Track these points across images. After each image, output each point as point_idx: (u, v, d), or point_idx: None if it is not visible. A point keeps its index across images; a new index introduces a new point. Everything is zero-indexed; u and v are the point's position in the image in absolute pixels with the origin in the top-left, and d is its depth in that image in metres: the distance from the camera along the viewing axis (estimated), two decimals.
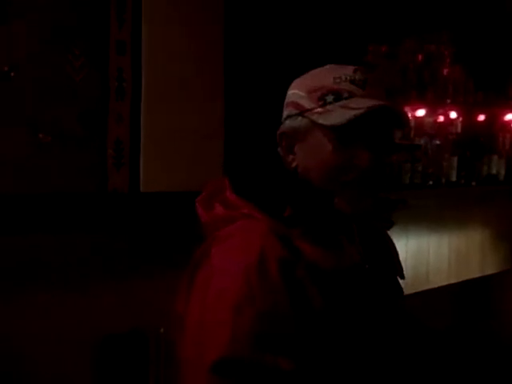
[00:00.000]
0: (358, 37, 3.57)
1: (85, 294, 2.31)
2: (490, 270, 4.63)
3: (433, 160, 4.20)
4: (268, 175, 1.34)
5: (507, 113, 5.02)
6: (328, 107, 1.27)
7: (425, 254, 3.89)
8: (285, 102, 1.40)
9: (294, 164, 1.33)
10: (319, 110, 1.28)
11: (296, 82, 1.39)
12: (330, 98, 1.27)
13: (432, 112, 4.24)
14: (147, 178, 2.61)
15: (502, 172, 4.96)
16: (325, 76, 1.31)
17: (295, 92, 1.35)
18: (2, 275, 2.09)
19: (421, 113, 4.10)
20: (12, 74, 2.21)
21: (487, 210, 4.72)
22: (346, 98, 1.27)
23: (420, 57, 4.15)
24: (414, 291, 3.10)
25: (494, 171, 4.84)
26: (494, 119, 4.90)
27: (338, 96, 1.27)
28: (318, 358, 1.17)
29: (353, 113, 1.24)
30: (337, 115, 1.25)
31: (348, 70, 1.30)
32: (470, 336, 3.31)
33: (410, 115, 4.10)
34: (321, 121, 1.27)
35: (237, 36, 2.83)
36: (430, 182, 4.17)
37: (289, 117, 1.34)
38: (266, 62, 2.92)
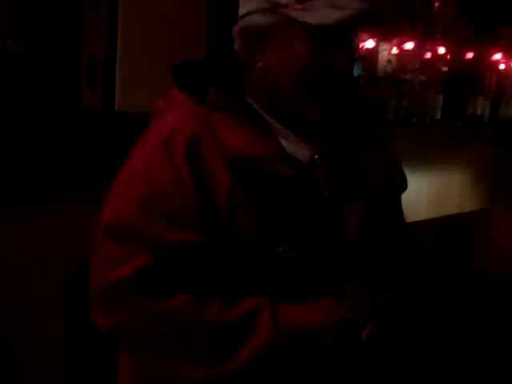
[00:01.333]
0: None
1: (58, 215, 2.22)
2: (468, 208, 4.62)
3: (418, 97, 4.12)
4: (208, 67, 1.28)
5: (495, 52, 4.92)
6: (309, 4, 1.17)
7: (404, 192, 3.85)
8: None
9: (258, 64, 1.24)
10: (299, 6, 1.17)
11: None
12: None
13: (420, 46, 4.13)
14: (123, 97, 2.49)
15: (487, 113, 4.90)
16: None
17: None
18: None
19: (409, 46, 3.99)
20: None
21: (469, 150, 4.68)
22: None
23: None
24: None
25: (478, 112, 4.78)
26: (482, 58, 4.80)
27: None
28: (220, 236, 1.15)
29: (340, 14, 1.14)
30: (323, 14, 1.15)
31: None
32: (449, 266, 3.32)
33: (397, 48, 3.99)
34: (303, 19, 1.16)
35: None
36: (415, 120, 4.10)
37: (254, 12, 1.23)
38: None
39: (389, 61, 3.93)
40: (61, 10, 2.28)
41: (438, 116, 4.32)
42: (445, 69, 4.42)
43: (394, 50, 3.98)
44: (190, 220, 1.14)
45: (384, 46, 3.86)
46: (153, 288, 1.12)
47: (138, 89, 2.51)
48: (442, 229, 4.02)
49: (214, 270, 1.16)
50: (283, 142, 1.24)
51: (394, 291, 1.24)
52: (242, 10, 1.24)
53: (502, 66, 5.09)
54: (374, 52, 3.79)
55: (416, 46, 4.06)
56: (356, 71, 3.77)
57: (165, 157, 1.17)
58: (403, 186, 1.46)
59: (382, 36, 3.79)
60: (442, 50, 4.32)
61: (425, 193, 4.22)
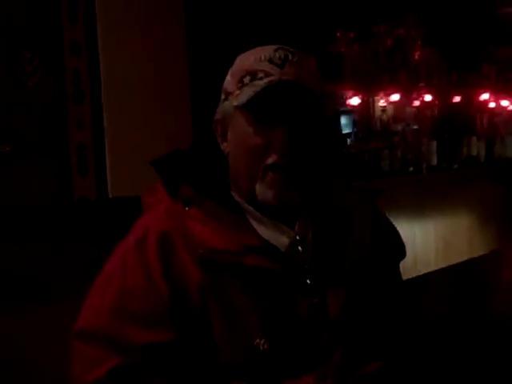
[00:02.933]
0: (326, 23, 3.49)
1: (61, 303, 2.20)
2: (477, 252, 4.57)
3: (411, 145, 4.13)
4: (186, 160, 1.29)
5: (483, 92, 4.97)
6: (244, 88, 1.18)
7: (410, 244, 3.81)
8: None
9: (226, 151, 1.25)
10: (237, 92, 1.19)
11: (232, 66, 1.31)
12: (247, 80, 1.19)
13: (406, 97, 4.18)
14: (115, 182, 2.50)
15: (483, 153, 4.91)
16: (247, 58, 1.24)
17: (227, 77, 1.28)
18: None
19: (395, 98, 4.03)
20: None
21: (471, 192, 4.67)
22: (260, 78, 1.17)
23: (390, 41, 4.08)
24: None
25: (474, 153, 4.79)
26: (470, 100, 4.84)
27: (254, 76, 1.18)
28: (192, 333, 1.15)
29: (252, 91, 1.15)
30: (243, 95, 1.16)
31: (269, 50, 1.22)
32: (464, 322, 3.24)
33: (382, 102, 4.03)
34: (234, 103, 1.19)
35: (199, 24, 2.73)
36: (411, 169, 4.10)
37: (220, 103, 1.26)
38: (230, 49, 2.82)
39: (381, 112, 3.97)
40: (45, 107, 2.31)
41: (434, 162, 4.33)
42: (434, 114, 4.46)
43: (382, 103, 4.02)
44: (161, 319, 1.14)
45: (372, 101, 3.90)
46: None
47: (129, 173, 2.53)
48: (454, 279, 3.96)
49: (189, 367, 1.15)
50: (261, 230, 1.22)
51: (387, 359, 1.20)
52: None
53: (491, 105, 5.13)
54: (362, 108, 3.83)
55: (403, 97, 4.11)
56: (344, 129, 3.81)
57: (137, 258, 1.18)
58: (400, 254, 1.42)
59: (368, 92, 3.84)
60: (428, 97, 4.36)
61: (432, 242, 4.18)
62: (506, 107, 5.26)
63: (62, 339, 2.09)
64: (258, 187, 1.19)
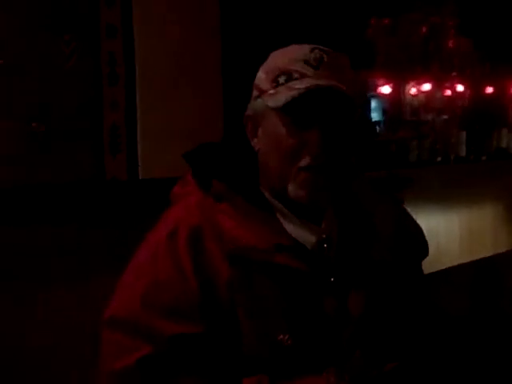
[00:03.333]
0: (359, 10, 3.48)
1: (89, 283, 2.26)
2: (503, 247, 4.54)
3: (440, 136, 4.12)
4: (219, 155, 1.32)
5: None
6: (278, 88, 1.20)
7: (434, 234, 3.81)
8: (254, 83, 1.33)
9: (256, 147, 1.28)
10: (271, 91, 1.22)
11: (264, 63, 1.33)
12: (282, 79, 1.21)
13: (438, 86, 4.15)
14: (146, 164, 2.55)
15: None
16: (282, 56, 1.25)
17: (258, 74, 1.29)
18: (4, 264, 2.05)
19: (427, 87, 4.01)
20: (1, 62, 2.14)
21: (498, 184, 4.64)
22: (296, 79, 1.19)
23: (424, 29, 4.05)
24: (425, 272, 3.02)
25: (503, 145, 4.76)
26: (503, 91, 4.79)
27: (289, 77, 1.20)
28: (223, 328, 1.18)
29: (291, 93, 1.17)
30: (280, 97, 1.19)
31: (304, 50, 1.23)
32: (485, 320, 3.24)
33: (416, 90, 4.01)
34: (268, 103, 1.21)
35: (234, 13, 2.75)
36: (439, 159, 4.10)
37: (252, 100, 1.28)
38: (265, 41, 2.84)
39: (410, 103, 3.96)
40: (81, 88, 2.35)
41: (463, 153, 4.32)
42: (465, 105, 4.43)
43: (413, 92, 4.01)
44: (190, 312, 1.18)
45: (403, 90, 3.89)
46: (155, 377, 1.17)
47: (160, 156, 2.57)
48: (477, 274, 3.95)
49: (215, 358, 1.19)
50: (289, 228, 1.25)
51: (405, 359, 1.23)
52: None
53: None
54: (393, 97, 3.82)
55: (434, 86, 4.09)
56: (374, 117, 3.81)
57: (168, 251, 1.21)
58: (423, 253, 1.44)
59: (399, 80, 3.83)
60: (460, 88, 4.33)
61: (456, 235, 4.16)
62: None
63: (87, 319, 2.17)
64: (291, 187, 1.22)
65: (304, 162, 1.20)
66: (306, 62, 1.21)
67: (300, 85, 1.18)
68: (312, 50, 1.22)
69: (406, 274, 1.33)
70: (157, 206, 2.55)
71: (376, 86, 3.70)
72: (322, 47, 1.24)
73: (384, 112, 3.81)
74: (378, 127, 3.74)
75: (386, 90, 3.72)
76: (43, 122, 2.28)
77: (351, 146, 1.26)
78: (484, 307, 3.51)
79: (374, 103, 3.72)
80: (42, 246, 2.19)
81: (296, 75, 1.20)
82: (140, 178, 2.53)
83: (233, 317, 1.19)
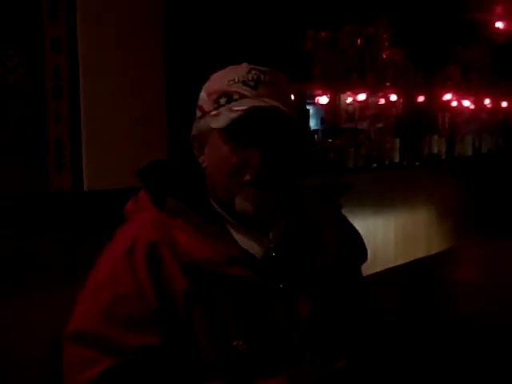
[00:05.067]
0: (297, 23, 3.58)
1: (40, 294, 2.28)
2: (435, 249, 4.74)
3: (376, 143, 4.28)
4: (170, 172, 1.39)
5: (446, 93, 5.13)
6: (220, 109, 1.28)
7: (371, 237, 3.96)
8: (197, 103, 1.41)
9: (204, 164, 1.35)
10: (213, 112, 1.29)
11: (206, 83, 1.40)
12: (223, 101, 1.28)
13: (373, 95, 4.31)
14: (90, 176, 2.58)
15: (443, 150, 5.09)
16: (222, 78, 1.32)
17: (201, 94, 1.36)
18: None
19: (362, 97, 4.16)
20: None
21: (430, 188, 4.84)
22: (235, 100, 1.27)
23: (359, 41, 4.19)
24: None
25: (435, 150, 4.96)
26: (434, 99, 5.00)
27: (230, 98, 1.28)
28: (181, 339, 1.25)
29: (231, 117, 1.26)
30: (222, 118, 1.27)
31: (242, 71, 1.31)
32: (419, 319, 3.39)
33: (350, 100, 4.16)
34: (211, 124, 1.29)
35: (176, 26, 2.80)
36: (374, 165, 4.25)
37: (196, 119, 1.36)
38: (206, 50, 2.91)
39: (346, 112, 4.10)
40: (25, 101, 2.36)
41: (397, 159, 4.48)
42: (399, 113, 4.60)
43: (349, 101, 4.15)
44: (150, 325, 1.24)
45: (342, 101, 4.02)
46: None
47: (104, 168, 2.60)
48: (411, 274, 4.11)
49: (175, 366, 1.26)
50: (240, 239, 1.33)
51: (352, 357, 1.32)
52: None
53: (454, 104, 5.30)
54: (330, 106, 3.95)
55: (369, 96, 4.24)
56: (312, 126, 3.93)
57: (127, 266, 1.26)
58: (363, 257, 1.54)
59: (337, 90, 3.96)
60: (394, 97, 4.50)
61: (391, 237, 4.33)
62: (467, 107, 5.44)
63: (35, 331, 2.18)
64: (238, 200, 1.30)
65: (247, 177, 1.28)
66: (244, 82, 1.29)
67: (239, 106, 1.26)
68: (249, 71, 1.30)
69: (347, 278, 1.43)
70: (101, 217, 2.59)
71: (314, 96, 3.81)
72: (258, 67, 1.32)
73: (322, 121, 3.93)
74: (316, 136, 3.86)
75: (323, 100, 3.84)
76: None
77: (291, 158, 1.34)
78: (418, 304, 3.67)
79: (312, 113, 3.84)
80: None
81: (236, 96, 1.28)
82: (85, 189, 2.56)
83: (190, 326, 1.26)
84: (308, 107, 3.80)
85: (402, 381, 1.61)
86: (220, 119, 1.28)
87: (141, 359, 1.23)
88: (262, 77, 1.30)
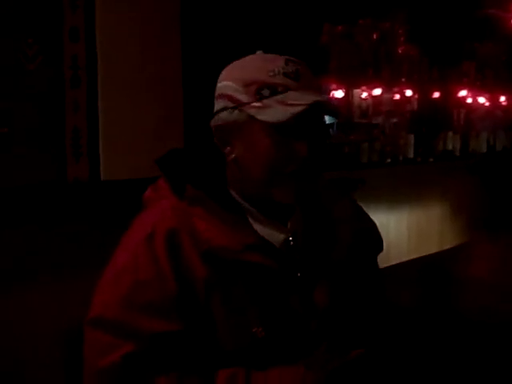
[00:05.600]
0: (313, 16, 3.58)
1: (55, 284, 2.29)
2: (448, 244, 4.71)
3: (390, 138, 4.27)
4: (189, 160, 1.39)
5: (461, 89, 5.11)
6: (265, 102, 1.28)
7: (384, 232, 3.94)
8: (216, 94, 1.39)
9: (231, 156, 1.35)
10: (256, 104, 1.29)
11: (227, 73, 1.37)
12: (266, 92, 1.28)
13: (388, 90, 4.30)
14: (107, 166, 2.59)
15: (458, 147, 5.07)
16: (258, 68, 1.31)
17: (228, 84, 1.33)
18: None
19: (377, 92, 4.15)
20: None
21: (444, 185, 4.81)
22: (281, 92, 1.28)
23: (375, 35, 4.18)
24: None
25: (449, 147, 4.94)
26: (449, 96, 4.98)
27: (274, 90, 1.28)
28: (203, 325, 1.26)
29: (291, 110, 1.27)
30: (276, 111, 1.27)
31: (280, 62, 1.31)
32: (434, 311, 3.38)
33: (367, 94, 4.15)
34: (260, 117, 1.29)
35: (194, 19, 2.81)
36: (388, 160, 4.24)
37: (224, 109, 1.35)
38: (223, 43, 2.91)
39: (360, 107, 4.09)
40: (44, 90, 2.37)
41: (411, 155, 4.47)
42: (413, 109, 4.59)
43: (364, 96, 4.14)
44: (170, 311, 1.25)
45: (354, 94, 4.02)
46: (139, 372, 1.24)
47: (121, 158, 2.61)
48: (424, 269, 4.10)
49: (194, 352, 1.28)
50: (259, 228, 1.34)
51: (369, 346, 1.33)
52: (216, 107, 1.36)
53: (469, 101, 5.28)
54: (345, 100, 3.94)
55: (384, 91, 4.23)
56: (328, 120, 3.92)
57: (148, 253, 1.27)
58: (379, 248, 1.55)
59: (352, 84, 3.95)
60: (409, 92, 4.49)
61: (404, 233, 4.33)
62: (482, 104, 5.41)
63: (50, 321, 2.19)
64: (277, 191, 1.31)
65: (291, 168, 1.30)
66: (286, 74, 1.29)
67: (294, 100, 1.26)
68: (287, 63, 1.30)
69: (364, 268, 1.44)
70: (118, 207, 2.61)
71: (329, 91, 3.81)
72: (292, 58, 1.32)
73: (337, 116, 3.92)
74: (331, 130, 3.85)
75: (338, 94, 3.83)
76: (5, 124, 2.29)
77: (326, 151, 1.36)
78: (431, 300, 3.66)
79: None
80: (5, 248, 2.21)
81: (280, 88, 1.28)
82: (102, 179, 2.57)
83: (210, 313, 1.28)
84: None
85: (414, 373, 1.61)
86: (273, 112, 1.26)
87: (161, 345, 1.25)
88: (300, 69, 1.31)
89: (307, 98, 1.27)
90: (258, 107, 1.29)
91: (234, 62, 1.39)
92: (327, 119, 4.05)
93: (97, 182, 2.55)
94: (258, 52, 1.40)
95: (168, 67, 2.72)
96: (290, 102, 1.26)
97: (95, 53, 2.49)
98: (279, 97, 1.27)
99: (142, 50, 2.63)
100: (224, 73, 1.39)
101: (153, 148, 2.66)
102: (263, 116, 1.28)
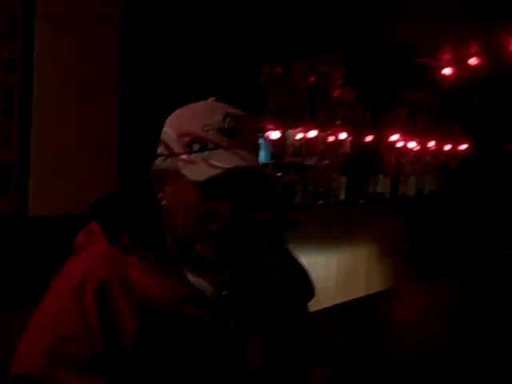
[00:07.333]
0: (253, 57, 3.61)
1: None
2: (375, 287, 4.80)
3: (323, 180, 4.32)
4: (124, 205, 1.36)
5: (393, 134, 5.25)
6: (193, 156, 1.24)
7: (314, 273, 3.97)
8: (160, 136, 1.37)
9: (163, 202, 1.32)
10: (185, 157, 1.24)
11: (170, 119, 1.33)
12: (196, 147, 1.24)
13: (323, 132, 4.36)
14: (36, 201, 2.51)
15: (387, 190, 5.19)
16: (196, 120, 1.26)
17: (168, 131, 1.28)
18: None
19: (312, 133, 4.20)
20: None
21: (373, 227, 4.91)
22: (210, 149, 1.24)
23: (312, 78, 4.25)
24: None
25: (380, 190, 5.06)
26: (381, 140, 5.11)
27: (204, 146, 1.24)
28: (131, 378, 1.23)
29: (210, 172, 1.23)
30: (198, 169, 1.23)
31: (218, 116, 1.27)
32: (360, 356, 3.42)
33: (302, 136, 4.20)
34: (183, 171, 1.26)
35: (133, 52, 2.78)
36: (321, 202, 4.29)
37: (160, 156, 1.33)
38: (162, 81, 2.90)
39: (293, 146, 4.13)
40: None
41: (343, 196, 4.54)
42: (347, 151, 4.68)
43: (299, 137, 4.19)
44: (96, 367, 1.21)
45: (289, 134, 4.06)
46: None
47: (50, 194, 2.54)
48: (352, 313, 4.15)
49: None
50: (192, 278, 1.31)
51: None
52: (157, 151, 1.33)
53: (400, 145, 5.43)
54: (280, 141, 3.98)
55: (319, 132, 4.29)
56: (262, 160, 3.95)
57: (76, 305, 1.23)
58: (310, 295, 1.55)
59: (288, 125, 3.99)
60: (343, 135, 4.57)
61: (333, 275, 4.37)
62: (412, 149, 5.58)
63: None
64: (199, 246, 1.27)
65: (213, 226, 1.25)
66: (220, 130, 1.25)
67: (218, 161, 1.23)
68: (225, 118, 1.26)
69: (296, 317, 1.44)
70: (45, 244, 2.52)
71: (265, 131, 3.83)
72: (233, 112, 1.29)
73: (272, 156, 3.95)
74: (267, 170, 3.87)
75: (275, 135, 3.86)
76: None
77: (254, 203, 1.34)
78: (359, 344, 3.70)
79: (262, 147, 3.85)
80: None
81: (211, 145, 1.24)
82: (29, 215, 2.49)
83: (139, 366, 1.23)
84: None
85: None
86: (194, 169, 1.23)
87: None
88: (238, 125, 1.27)
89: (231, 161, 1.24)
90: (185, 161, 1.26)
91: (180, 109, 1.37)
92: (261, 159, 4.06)
93: (24, 217, 2.47)
94: (210, 99, 1.38)
95: (105, 103, 2.68)
96: (213, 162, 1.23)
97: (31, 85, 2.42)
98: (206, 154, 1.24)
99: (78, 85, 2.57)
100: (169, 118, 1.36)
101: (85, 186, 2.61)
102: (185, 171, 1.25)
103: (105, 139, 2.68)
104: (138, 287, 1.25)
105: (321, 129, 4.31)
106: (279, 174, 3.95)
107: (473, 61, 5.17)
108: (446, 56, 5.32)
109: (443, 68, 5.43)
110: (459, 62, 5.25)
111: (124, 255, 1.28)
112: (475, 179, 6.10)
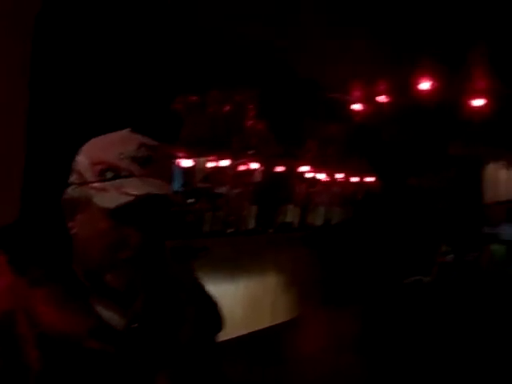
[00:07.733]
0: (167, 86, 3.62)
1: None
2: (281, 317, 4.85)
3: (233, 208, 4.36)
4: (30, 234, 1.33)
5: (303, 165, 5.37)
6: (106, 184, 1.23)
7: (221, 302, 3.98)
8: (73, 165, 1.35)
9: (72, 231, 1.31)
10: (97, 185, 1.24)
11: (84, 148, 1.32)
12: (109, 175, 1.25)
13: (235, 161, 4.42)
14: None
15: (296, 219, 5.29)
16: (111, 149, 1.27)
17: (81, 160, 1.28)
18: None
19: (224, 162, 4.25)
20: None
21: (281, 256, 4.98)
22: (124, 177, 1.24)
23: (227, 107, 4.31)
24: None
25: (289, 219, 5.15)
26: (292, 170, 5.22)
27: (117, 174, 1.24)
28: None
29: (120, 199, 1.24)
30: (110, 197, 1.23)
31: (132, 145, 1.29)
32: None
33: (214, 164, 4.23)
34: (94, 199, 1.26)
35: (43, 79, 2.73)
36: (230, 230, 4.32)
37: (72, 184, 1.32)
38: (69, 113, 2.86)
39: (203, 174, 4.16)
40: None
41: (252, 225, 4.60)
42: (258, 181, 4.75)
43: (211, 166, 4.22)
44: None
45: (201, 164, 4.08)
46: None
47: None
48: (255, 345, 4.18)
49: None
50: (101, 311, 1.30)
51: None
52: (69, 181, 1.31)
53: (309, 176, 5.56)
54: (192, 168, 3.99)
55: (231, 161, 4.34)
56: (174, 187, 3.95)
57: None
58: (219, 328, 1.55)
59: (200, 153, 4.02)
60: (254, 164, 4.64)
61: (239, 303, 4.38)
62: (321, 180, 5.72)
63: None
64: (110, 276, 1.26)
65: (124, 255, 1.25)
66: (134, 159, 1.25)
67: (130, 189, 1.23)
68: (139, 147, 1.27)
69: (204, 348, 1.44)
70: None
71: (177, 158, 3.84)
72: (148, 143, 1.30)
73: (183, 183, 3.96)
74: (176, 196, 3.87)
75: (187, 163, 3.88)
76: None
77: (165, 231, 1.34)
78: (262, 376, 3.72)
79: (174, 174, 3.86)
80: None
81: (124, 173, 1.24)
82: None
83: None
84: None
85: None
86: (106, 196, 1.23)
87: None
88: (152, 155, 1.28)
89: (143, 189, 1.24)
90: (97, 189, 1.25)
91: (95, 138, 1.36)
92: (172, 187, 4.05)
93: None
94: (126, 130, 1.37)
95: (12, 138, 2.61)
96: (125, 189, 1.23)
97: None
98: (118, 181, 1.23)
99: None
100: (83, 147, 1.35)
101: None
102: (96, 199, 1.24)
103: (9, 167, 2.60)
104: (43, 320, 1.22)
105: (233, 158, 4.36)
106: (190, 201, 3.97)
107: (382, 98, 5.38)
108: (356, 92, 5.50)
109: (353, 103, 5.62)
110: (368, 99, 5.45)
111: (30, 287, 1.26)
112: (380, 210, 6.31)
